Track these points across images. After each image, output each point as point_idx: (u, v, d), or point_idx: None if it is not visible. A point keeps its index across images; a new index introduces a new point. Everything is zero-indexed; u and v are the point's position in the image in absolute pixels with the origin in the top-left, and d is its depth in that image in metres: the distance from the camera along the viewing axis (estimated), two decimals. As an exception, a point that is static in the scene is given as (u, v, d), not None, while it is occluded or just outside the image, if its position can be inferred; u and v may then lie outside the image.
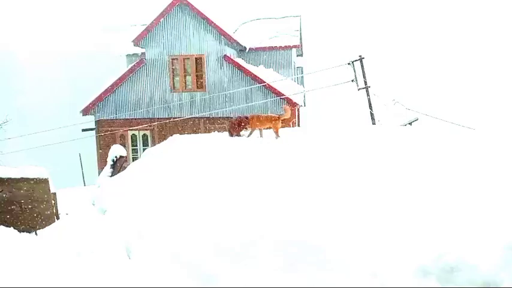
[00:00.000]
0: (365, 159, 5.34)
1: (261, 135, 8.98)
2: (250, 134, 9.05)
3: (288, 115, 8.96)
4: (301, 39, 21.17)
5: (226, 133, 9.21)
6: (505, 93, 33.56)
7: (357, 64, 15.78)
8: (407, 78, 37.98)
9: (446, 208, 3.59)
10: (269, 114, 9.44)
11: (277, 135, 8.78)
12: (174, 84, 17.36)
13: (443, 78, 38.25)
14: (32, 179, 5.85)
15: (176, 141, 9.46)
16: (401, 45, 42.34)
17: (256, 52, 18.92)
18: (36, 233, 5.57)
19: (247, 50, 18.68)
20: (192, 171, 5.73)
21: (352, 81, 15.61)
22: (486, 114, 29.35)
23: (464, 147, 6.71)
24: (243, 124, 8.91)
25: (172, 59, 17.23)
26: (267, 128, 9.09)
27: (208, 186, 4.70)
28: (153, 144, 16.35)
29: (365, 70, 15.57)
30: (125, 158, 8.74)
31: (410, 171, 4.57)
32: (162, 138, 15.92)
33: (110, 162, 8.21)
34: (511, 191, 3.86)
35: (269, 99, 16.35)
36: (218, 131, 13.12)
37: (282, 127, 9.03)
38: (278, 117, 8.85)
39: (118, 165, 8.18)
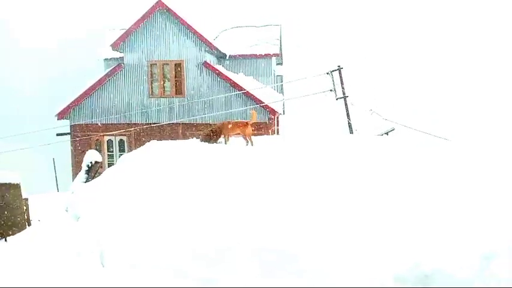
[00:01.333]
0: (342, 168, 5.38)
1: (226, 143, 8.97)
2: (226, 141, 9.01)
3: (254, 119, 8.99)
4: (281, 48, 21.36)
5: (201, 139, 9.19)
6: (480, 104, 34.63)
7: (336, 74, 16.01)
8: (385, 88, 38.79)
9: (422, 217, 3.64)
10: (238, 120, 9.44)
11: (248, 141, 8.76)
12: (152, 89, 17.19)
13: (420, 89, 39.22)
14: (3, 184, 5.65)
15: (153, 147, 9.29)
16: (379, 56, 43.25)
17: (236, 59, 18.95)
18: (6, 240, 5.36)
19: (227, 57, 18.70)
20: (168, 177, 5.65)
21: (331, 90, 15.82)
22: (462, 125, 30.19)
23: (439, 158, 6.85)
24: (215, 136, 8.89)
25: (151, 64, 17.08)
26: (236, 135, 9.09)
27: (184, 193, 4.64)
28: (130, 150, 16.10)
29: (343, 80, 15.80)
30: (100, 164, 8.56)
31: (386, 180, 4.63)
32: (139, 144, 15.69)
33: (84, 167, 8.02)
34: (487, 201, 3.94)
35: (248, 107, 16.36)
36: (197, 137, 13.02)
37: (260, 134, 9.05)
38: (247, 123, 8.86)
39: (93, 171, 8.00)
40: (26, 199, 6.02)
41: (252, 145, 8.66)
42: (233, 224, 3.46)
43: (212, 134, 8.90)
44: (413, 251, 3.04)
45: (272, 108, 16.49)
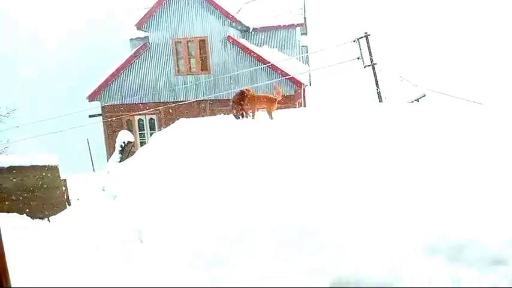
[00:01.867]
0: (370, 140, 5.28)
1: (253, 117, 8.76)
2: (253, 115, 8.84)
3: (279, 97, 8.66)
4: (305, 17, 20.87)
5: (232, 116, 9.03)
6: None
7: (363, 41, 15.55)
8: (415, 54, 37.42)
9: (452, 188, 3.55)
10: (267, 95, 9.17)
11: (271, 117, 8.57)
12: (178, 67, 17.27)
13: (451, 53, 37.60)
14: (42, 167, 5.92)
15: (182, 125, 9.46)
16: (408, 21, 41.53)
17: (260, 32, 18.71)
18: (48, 220, 5.67)
19: (250, 31, 18.48)
20: (197, 157, 5.74)
21: (358, 58, 15.42)
22: (495, 88, 28.88)
23: (472, 124, 6.62)
24: (242, 101, 8.55)
25: (175, 42, 17.09)
26: (262, 109, 8.86)
27: (209, 172, 4.72)
28: (160, 128, 16.42)
29: (371, 47, 15.35)
30: (132, 143, 8.77)
31: (416, 151, 4.51)
32: (169, 122, 15.96)
33: (118, 148, 8.24)
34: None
35: (274, 80, 16.23)
36: (224, 114, 13.10)
37: (286, 107, 8.85)
38: (275, 99, 8.63)
39: (126, 151, 8.22)
40: (65, 180, 6.31)
41: (272, 119, 8.49)
42: (255, 203, 3.47)
43: (238, 102, 8.59)
44: (443, 221, 3.00)
45: (298, 80, 16.31)
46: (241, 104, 8.52)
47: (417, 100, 15.03)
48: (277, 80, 16.23)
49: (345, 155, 4.76)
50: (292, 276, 2.74)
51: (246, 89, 8.74)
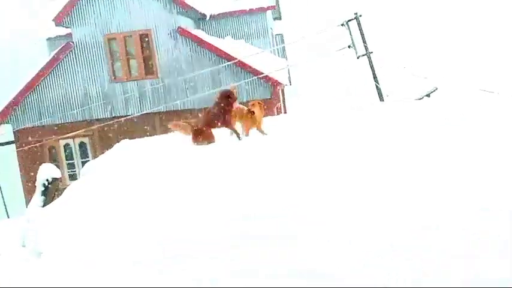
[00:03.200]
0: (371, 161, 5.32)
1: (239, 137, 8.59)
2: (248, 130, 8.33)
3: (256, 107, 8.49)
4: (277, -3, 21.14)
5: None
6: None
7: (353, 25, 15.86)
8: (415, 38, 38.53)
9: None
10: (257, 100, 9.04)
11: (243, 135, 8.44)
12: (114, 72, 17.16)
13: (459, 34, 38.92)
14: None
15: (124, 149, 9.28)
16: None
17: (220, 20, 18.82)
18: None
19: (207, 18, 18.54)
20: (149, 191, 5.61)
21: (349, 47, 15.70)
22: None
23: (497, 119, 6.77)
24: (225, 111, 7.86)
25: (109, 39, 16.98)
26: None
27: (171, 217, 4.61)
28: (95, 155, 16.09)
29: (364, 32, 15.66)
30: (59, 180, 8.55)
31: (432, 174, 4.58)
32: (106, 145, 15.68)
33: (40, 187, 7.99)
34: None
35: (243, 81, 16.28)
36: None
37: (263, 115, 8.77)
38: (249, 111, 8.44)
39: (51, 191, 7.99)
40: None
41: (239, 138, 8.19)
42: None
43: (211, 117, 7.96)
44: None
45: (275, 79, 16.42)
46: (224, 114, 7.89)
47: (428, 95, 15.39)
48: (247, 80, 16.28)
49: (340, 180, 4.78)
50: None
51: (232, 88, 8.23)
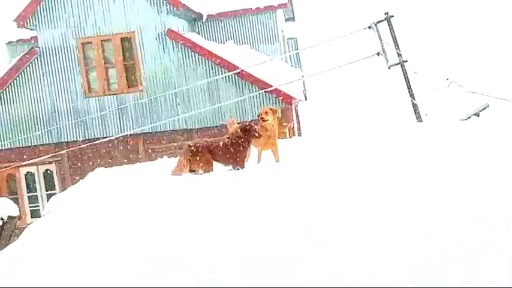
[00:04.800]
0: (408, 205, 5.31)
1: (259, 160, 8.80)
2: (259, 157, 8.75)
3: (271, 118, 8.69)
4: (289, -6, 21.25)
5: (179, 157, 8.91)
6: None
7: (383, 27, 15.89)
8: (459, 43, 38.66)
9: None
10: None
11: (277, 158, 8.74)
12: (89, 84, 17.21)
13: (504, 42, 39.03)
14: None
15: (101, 179, 9.28)
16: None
17: (219, 21, 18.92)
18: None
19: (204, 19, 18.64)
20: (131, 236, 5.52)
21: (379, 54, 15.70)
22: None
23: None
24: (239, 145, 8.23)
25: (83, 44, 17.09)
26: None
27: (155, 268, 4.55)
28: (64, 186, 16.04)
29: (396, 36, 15.68)
30: (16, 219, 8.52)
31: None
32: (78, 175, 15.64)
33: (-8, 228, 7.98)
34: None
35: (247, 95, 16.28)
36: (169, 155, 12.87)
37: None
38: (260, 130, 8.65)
39: (6, 232, 7.96)
40: None
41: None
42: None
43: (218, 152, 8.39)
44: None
45: (286, 94, 16.39)
46: (237, 152, 8.25)
47: (477, 114, 15.30)
48: (252, 94, 16.26)
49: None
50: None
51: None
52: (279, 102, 16.48)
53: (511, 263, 3.33)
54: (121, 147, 16.96)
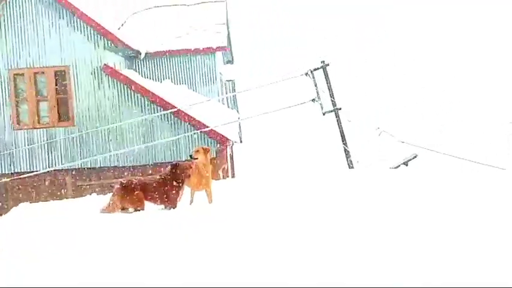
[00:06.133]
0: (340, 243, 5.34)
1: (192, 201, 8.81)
2: (192, 198, 8.80)
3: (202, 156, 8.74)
4: (229, 37, 21.50)
5: (110, 195, 8.75)
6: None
7: (319, 75, 16.17)
8: (391, 93, 39.97)
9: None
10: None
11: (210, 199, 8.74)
12: (18, 116, 16.84)
13: (440, 92, 40.69)
14: None
15: (25, 215, 9.17)
16: (374, 48, 44.74)
17: (158, 59, 18.90)
18: None
19: (142, 57, 18.58)
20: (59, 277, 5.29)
21: (314, 101, 15.93)
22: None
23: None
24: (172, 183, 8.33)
25: (14, 75, 16.83)
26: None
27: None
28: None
29: (331, 84, 15.99)
30: None
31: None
32: (1, 209, 15.06)
33: None
34: None
35: (182, 135, 16.20)
36: (98, 193, 12.58)
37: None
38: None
39: None
40: None
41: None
42: None
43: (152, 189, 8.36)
44: None
45: (222, 135, 16.41)
46: (170, 190, 8.32)
47: (406, 164, 15.64)
48: (186, 134, 16.19)
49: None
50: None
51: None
52: (214, 143, 16.46)
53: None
54: (48, 182, 16.51)
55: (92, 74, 16.76)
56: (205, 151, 8.75)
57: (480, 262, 4.31)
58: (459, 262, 4.36)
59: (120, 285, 4.76)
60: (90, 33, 16.68)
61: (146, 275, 4.95)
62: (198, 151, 8.69)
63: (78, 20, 16.63)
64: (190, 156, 8.66)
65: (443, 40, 43.99)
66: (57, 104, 16.88)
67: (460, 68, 40.50)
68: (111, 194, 8.61)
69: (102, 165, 16.49)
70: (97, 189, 14.92)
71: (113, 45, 16.92)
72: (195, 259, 5.29)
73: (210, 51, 19.02)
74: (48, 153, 16.76)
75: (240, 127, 21.86)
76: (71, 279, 5.12)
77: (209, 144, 16.24)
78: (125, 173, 16.15)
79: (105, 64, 16.70)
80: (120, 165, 16.43)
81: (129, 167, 16.57)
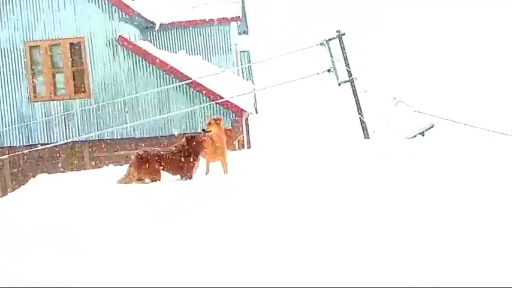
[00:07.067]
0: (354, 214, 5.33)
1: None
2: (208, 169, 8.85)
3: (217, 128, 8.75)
4: (243, 7, 21.34)
5: (127, 166, 8.83)
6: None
7: (335, 44, 16.08)
8: (408, 63, 39.58)
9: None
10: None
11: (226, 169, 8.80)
12: (35, 88, 16.92)
13: (459, 62, 40.25)
14: None
15: (43, 186, 9.21)
16: (393, 18, 44.26)
17: (172, 30, 18.86)
18: None
19: (157, 28, 18.54)
20: (76, 250, 5.36)
21: (329, 71, 15.87)
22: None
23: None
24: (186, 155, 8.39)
25: (30, 47, 16.83)
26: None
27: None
28: (3, 192, 15.65)
29: (347, 54, 15.89)
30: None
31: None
32: (19, 181, 15.30)
33: None
34: None
35: (197, 106, 16.23)
36: (115, 164, 12.68)
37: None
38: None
39: None
40: None
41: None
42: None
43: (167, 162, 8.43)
44: None
45: (237, 106, 16.40)
46: (186, 163, 8.39)
47: (422, 134, 15.59)
48: (203, 105, 16.21)
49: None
50: None
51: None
52: (229, 114, 16.48)
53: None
54: (65, 154, 16.66)
55: (107, 45, 16.75)
56: (217, 121, 8.74)
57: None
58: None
59: (138, 258, 4.81)
60: (105, 4, 16.63)
61: (162, 248, 5.00)
62: (210, 123, 8.68)
63: (92, -9, 16.62)
64: (203, 130, 8.64)
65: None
66: (73, 76, 16.93)
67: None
68: (128, 165, 8.70)
69: (118, 137, 16.57)
70: (114, 161, 15.04)
71: (127, 16, 16.88)
72: (210, 230, 5.34)
73: (224, 21, 18.91)
74: (64, 125, 16.87)
75: (255, 98, 21.80)
76: (87, 256, 5.17)
77: (224, 115, 16.26)
78: (141, 144, 16.23)
79: (120, 35, 16.67)
80: (136, 137, 16.50)
81: (145, 138, 16.65)
